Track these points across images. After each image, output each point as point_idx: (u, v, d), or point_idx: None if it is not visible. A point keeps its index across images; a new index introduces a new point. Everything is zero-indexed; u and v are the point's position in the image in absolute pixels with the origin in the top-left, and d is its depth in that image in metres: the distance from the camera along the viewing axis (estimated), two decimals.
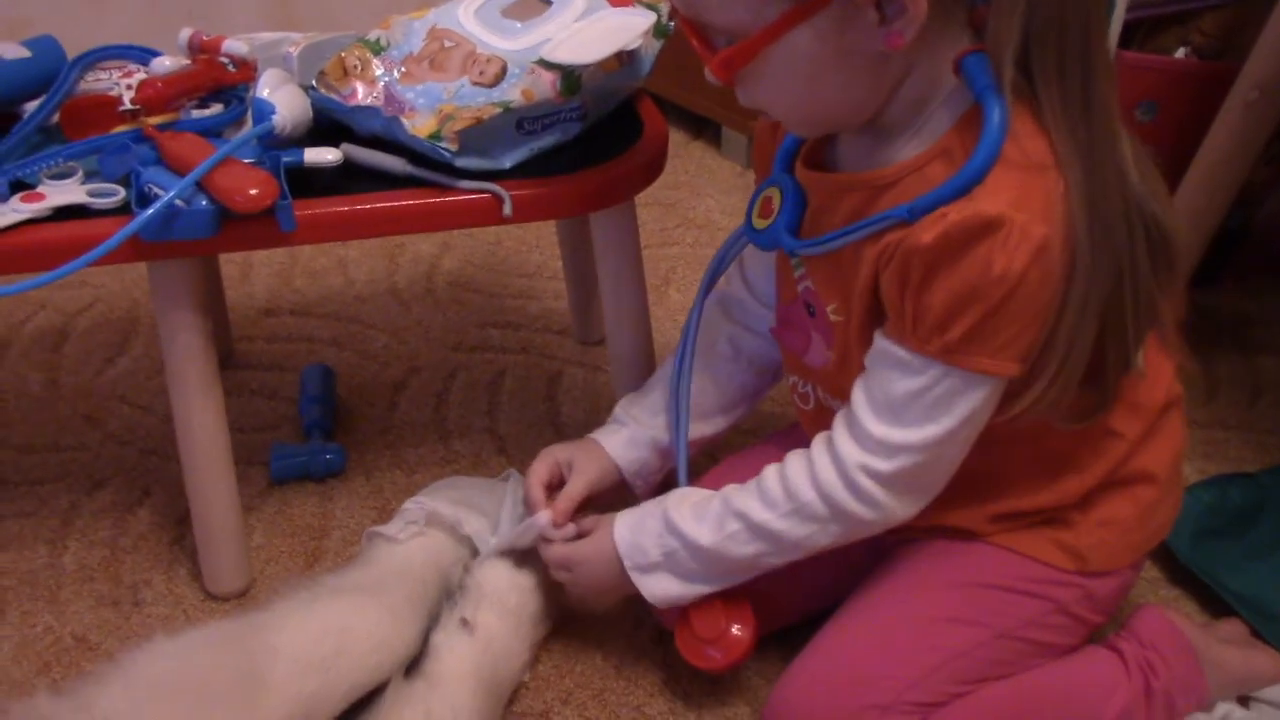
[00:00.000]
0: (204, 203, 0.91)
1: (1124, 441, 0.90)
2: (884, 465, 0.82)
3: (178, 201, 0.90)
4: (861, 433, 0.82)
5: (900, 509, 0.85)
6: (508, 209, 0.97)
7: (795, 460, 0.87)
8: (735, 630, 0.94)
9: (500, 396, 1.33)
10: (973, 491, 0.88)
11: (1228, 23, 1.37)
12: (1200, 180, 1.32)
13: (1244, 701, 0.98)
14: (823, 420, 0.89)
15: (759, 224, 0.88)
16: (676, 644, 0.96)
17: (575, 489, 0.99)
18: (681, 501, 0.92)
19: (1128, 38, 1.36)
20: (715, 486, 0.92)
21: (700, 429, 1.02)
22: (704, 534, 0.89)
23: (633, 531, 0.92)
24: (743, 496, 0.88)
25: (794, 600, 0.99)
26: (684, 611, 0.95)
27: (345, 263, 1.57)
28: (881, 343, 0.81)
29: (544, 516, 0.97)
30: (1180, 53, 1.37)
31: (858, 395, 0.83)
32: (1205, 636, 0.98)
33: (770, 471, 0.88)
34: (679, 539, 0.90)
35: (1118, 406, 0.85)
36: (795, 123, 0.85)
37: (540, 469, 1.01)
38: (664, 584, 0.91)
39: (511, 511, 1.04)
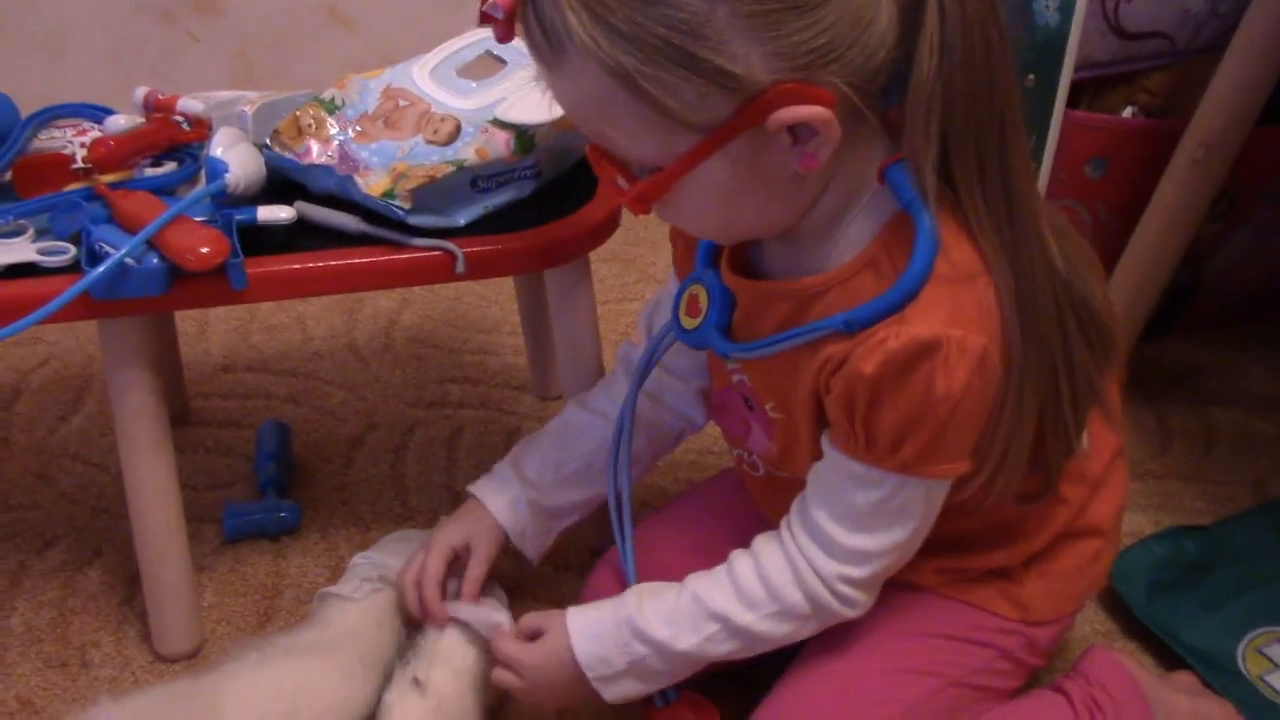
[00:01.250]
0: (155, 261, 0.91)
1: (1071, 505, 0.91)
2: (861, 572, 0.83)
3: (128, 260, 0.90)
4: (832, 545, 0.82)
5: (874, 598, 0.86)
6: (461, 266, 0.98)
7: (773, 557, 0.85)
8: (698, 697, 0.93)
9: (458, 452, 1.33)
10: (925, 551, 0.88)
11: (1173, 82, 1.40)
12: (1150, 235, 1.35)
13: None
14: (775, 487, 0.90)
15: (688, 323, 0.86)
16: None
17: (478, 573, 0.98)
18: (642, 602, 0.88)
19: (1076, 97, 1.38)
20: (655, 544, 0.91)
21: (576, 495, 1.02)
22: (680, 639, 0.86)
23: (593, 642, 0.88)
24: (719, 596, 0.86)
25: None
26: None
27: (303, 319, 1.57)
28: (836, 457, 0.81)
29: (505, 621, 0.95)
30: (1128, 111, 1.39)
31: (819, 508, 0.83)
32: (1155, 680, 0.99)
33: (745, 568, 0.86)
34: (649, 646, 0.87)
35: (1065, 476, 0.86)
36: (713, 237, 0.85)
37: (438, 565, 0.98)
38: (625, 688, 0.89)
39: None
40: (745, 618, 0.85)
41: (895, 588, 0.91)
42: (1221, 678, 1.03)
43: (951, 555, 0.91)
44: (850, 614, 0.85)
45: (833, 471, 0.81)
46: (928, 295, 0.73)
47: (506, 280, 1.51)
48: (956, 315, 0.73)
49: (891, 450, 0.77)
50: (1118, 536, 0.98)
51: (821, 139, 0.71)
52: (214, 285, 0.93)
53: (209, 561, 1.17)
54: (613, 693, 0.89)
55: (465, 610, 0.98)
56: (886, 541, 0.81)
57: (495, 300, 1.61)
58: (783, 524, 0.86)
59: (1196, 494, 1.29)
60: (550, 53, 0.71)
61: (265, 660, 0.94)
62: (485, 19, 0.75)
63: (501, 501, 1.00)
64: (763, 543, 0.86)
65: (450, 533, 1.00)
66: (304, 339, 1.53)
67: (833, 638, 0.91)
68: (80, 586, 1.14)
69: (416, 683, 0.94)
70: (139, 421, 0.99)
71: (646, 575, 0.93)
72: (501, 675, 0.92)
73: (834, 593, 0.83)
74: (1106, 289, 0.80)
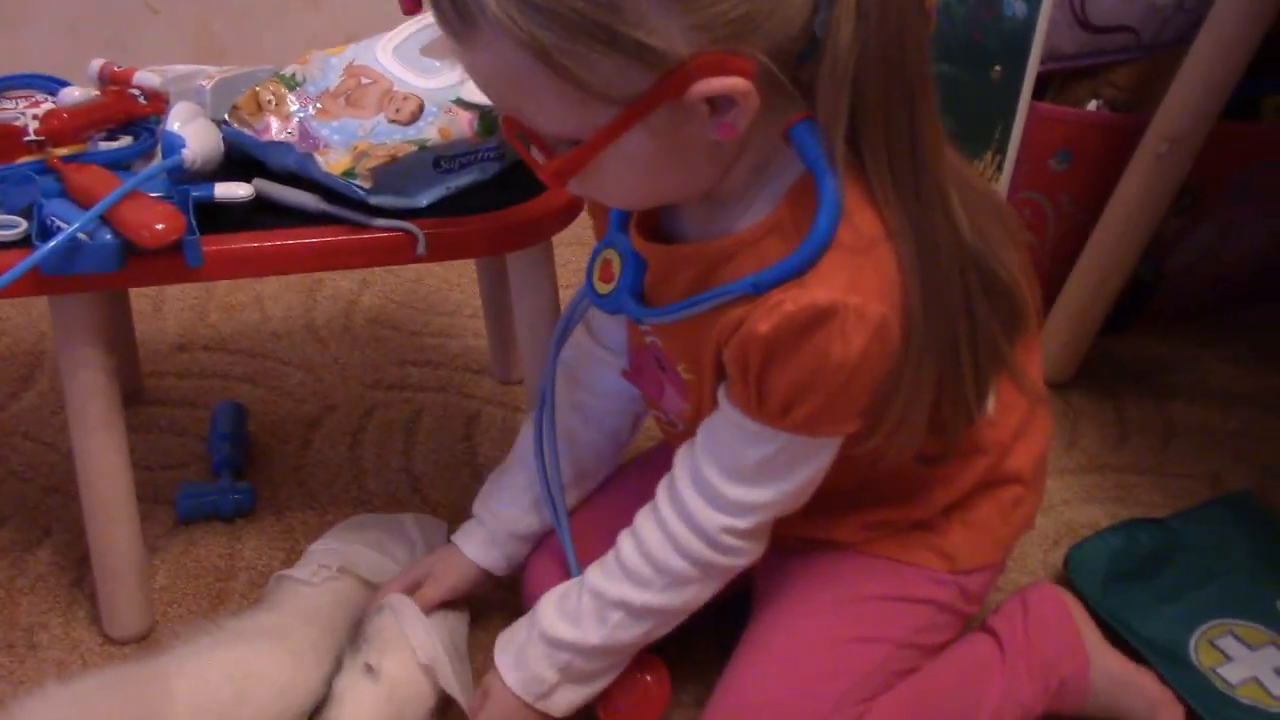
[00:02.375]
0: (108, 237, 0.89)
1: (990, 454, 0.92)
2: (744, 523, 0.84)
3: (80, 235, 0.88)
4: (716, 496, 0.83)
5: (761, 547, 0.87)
6: (421, 248, 0.96)
7: (650, 532, 0.87)
8: (648, 679, 0.94)
9: (417, 435, 1.32)
10: (845, 506, 0.91)
11: (1139, 76, 1.40)
12: (1112, 229, 1.35)
13: None
14: None
15: (601, 288, 0.86)
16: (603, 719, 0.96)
17: (429, 595, 1.00)
18: (549, 609, 0.90)
19: (1042, 89, 1.38)
20: (593, 528, 0.92)
21: (579, 494, 1.03)
22: (589, 635, 0.88)
23: (519, 667, 0.91)
24: (613, 584, 0.88)
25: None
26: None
27: (261, 298, 1.55)
28: (729, 410, 0.81)
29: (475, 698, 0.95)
30: (1093, 105, 1.40)
31: (708, 461, 0.83)
32: (1098, 638, 1.01)
33: (628, 548, 0.87)
34: (567, 650, 0.89)
35: (980, 424, 0.87)
36: (630, 206, 0.85)
37: (403, 584, 1.01)
38: (569, 697, 0.91)
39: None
40: (641, 598, 0.87)
41: (824, 548, 0.93)
42: (1174, 669, 1.04)
43: (872, 509, 0.92)
44: (739, 563, 0.86)
45: (725, 424, 0.82)
46: (829, 262, 0.73)
47: (468, 263, 1.50)
48: (857, 283, 0.73)
49: (782, 412, 0.77)
50: (1041, 483, 0.99)
51: (740, 109, 0.71)
52: (169, 263, 0.91)
53: (162, 543, 1.15)
54: (557, 704, 0.91)
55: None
56: (773, 494, 0.82)
57: (457, 283, 1.60)
58: (658, 489, 0.87)
59: (1154, 487, 1.30)
60: (461, 26, 0.70)
61: (216, 644, 0.93)
62: None
63: (475, 544, 1.01)
64: (641, 518, 0.88)
65: (419, 568, 1.02)
66: (262, 319, 1.51)
67: (771, 611, 0.92)
68: (28, 567, 1.13)
69: (369, 669, 0.93)
70: (90, 400, 0.97)
71: (594, 557, 0.92)
72: None
73: (717, 546, 0.84)
74: (1021, 260, 0.81)
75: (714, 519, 0.84)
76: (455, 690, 0.94)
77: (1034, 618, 0.99)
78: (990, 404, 0.85)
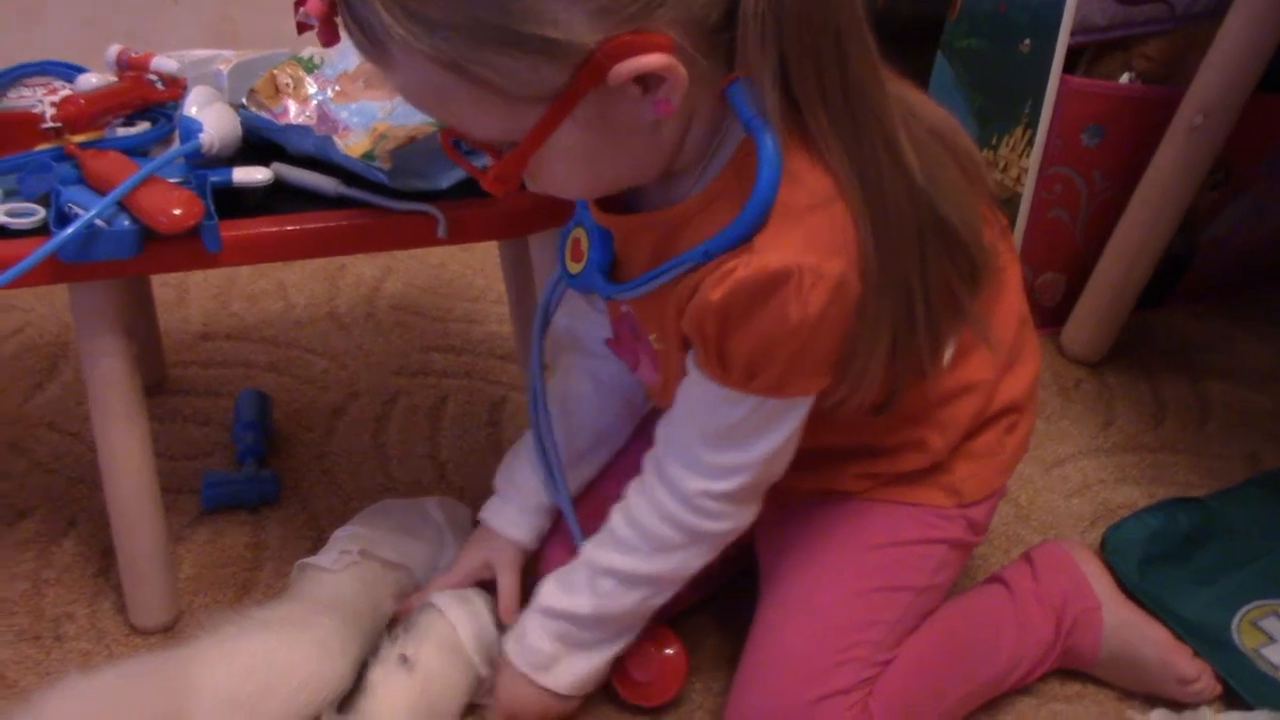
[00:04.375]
0: (126, 223, 0.88)
1: (982, 390, 0.91)
2: (724, 486, 0.83)
3: (98, 221, 0.87)
4: (694, 460, 0.83)
5: (750, 512, 0.87)
6: (442, 230, 0.95)
7: (637, 499, 0.87)
8: (668, 652, 0.95)
9: (442, 422, 1.31)
10: (842, 460, 0.92)
11: (1171, 48, 1.38)
12: (1146, 204, 1.33)
13: None
14: None
15: (573, 268, 0.87)
16: (622, 696, 0.96)
17: (510, 587, 0.99)
18: (548, 583, 0.92)
19: (1072, 63, 1.36)
20: (610, 501, 0.91)
21: (582, 472, 1.01)
22: (581, 603, 0.89)
23: (518, 640, 0.92)
24: (603, 552, 0.89)
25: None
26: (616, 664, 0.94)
27: (284, 286, 1.54)
28: (697, 376, 0.81)
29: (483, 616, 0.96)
30: (1125, 78, 1.37)
31: (682, 424, 0.84)
32: (1101, 577, 1.03)
33: (617, 517, 0.88)
34: (562, 620, 0.90)
35: (972, 357, 0.88)
36: (590, 196, 0.84)
37: (449, 585, 1.00)
38: (572, 669, 0.91)
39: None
40: (629, 564, 0.87)
41: (831, 499, 0.93)
42: (1216, 651, 1.02)
43: (872, 461, 0.92)
44: (721, 527, 0.85)
45: (695, 389, 0.82)
46: (781, 225, 0.72)
47: (491, 247, 1.45)
48: (811, 243, 0.72)
49: (747, 377, 0.77)
50: (1034, 404, 0.98)
51: (670, 84, 0.70)
52: (187, 248, 0.90)
53: (186, 532, 1.15)
54: (561, 679, 0.90)
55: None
56: (750, 455, 0.82)
57: (480, 268, 1.58)
58: (644, 459, 0.87)
59: (1191, 467, 1.28)
60: (374, 51, 0.71)
61: (241, 633, 0.92)
62: (303, 28, 0.76)
63: (506, 519, 1.01)
64: (630, 488, 0.88)
65: (468, 560, 1.01)
66: (285, 307, 1.51)
67: (791, 566, 0.93)
68: (54, 558, 1.12)
69: (404, 660, 0.92)
70: (112, 389, 0.97)
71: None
72: None
73: (697, 510, 0.84)
74: (983, 209, 0.80)
75: (692, 483, 0.83)
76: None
77: (1039, 566, 1.02)
78: (948, 355, 0.85)
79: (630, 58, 0.68)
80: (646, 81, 0.70)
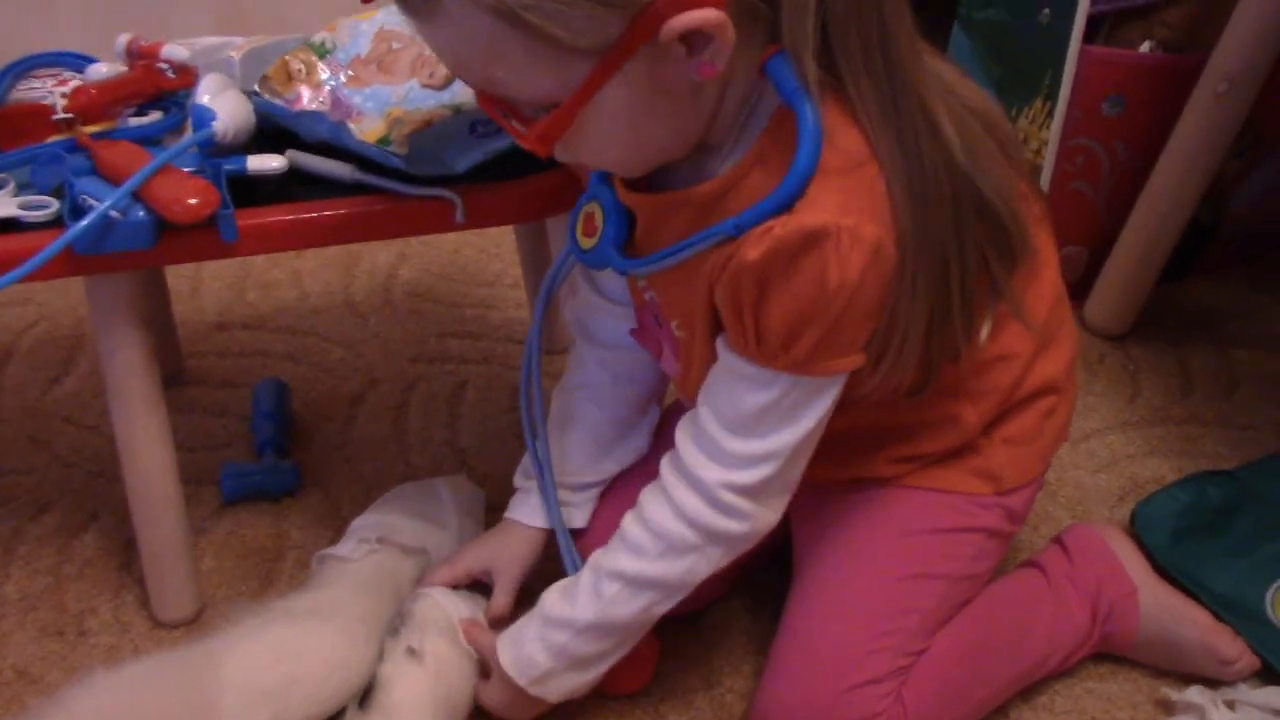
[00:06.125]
0: (141, 214, 0.88)
1: (1017, 362, 0.90)
2: (746, 478, 0.81)
3: (113, 213, 0.86)
4: (717, 450, 0.81)
5: (770, 513, 0.83)
6: (460, 215, 0.94)
7: (651, 499, 0.84)
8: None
9: (461, 408, 1.30)
10: (873, 445, 0.89)
11: (1192, 15, 1.36)
12: (1170, 174, 1.31)
13: (1230, 705, 0.96)
14: None
15: (585, 243, 0.85)
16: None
17: (501, 604, 0.96)
18: (550, 593, 0.88)
19: (1092, 32, 1.34)
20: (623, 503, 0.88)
21: (606, 467, 0.99)
22: (583, 610, 0.85)
23: (514, 647, 0.88)
24: (611, 556, 0.85)
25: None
26: None
27: (300, 275, 1.53)
28: (727, 357, 0.79)
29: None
30: (1145, 46, 1.35)
31: (706, 412, 0.81)
32: (1137, 560, 1.02)
33: (629, 520, 0.85)
34: (562, 629, 0.86)
35: (1008, 329, 0.86)
36: (626, 169, 0.82)
37: (446, 578, 0.97)
38: (565, 684, 0.88)
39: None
40: (637, 566, 0.83)
41: (863, 487, 0.91)
42: (1249, 625, 1.01)
43: (902, 444, 0.90)
44: (739, 528, 0.82)
45: (724, 374, 0.80)
46: (817, 188, 0.71)
47: (507, 231, 1.48)
48: (847, 205, 0.71)
49: (783, 347, 0.75)
50: (1073, 389, 0.97)
51: (716, 45, 0.69)
52: (203, 238, 0.90)
53: (208, 525, 1.14)
54: (551, 691, 0.88)
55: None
56: (776, 444, 0.79)
57: (496, 252, 1.57)
58: (661, 464, 0.84)
59: (1219, 439, 1.26)
60: (423, 4, 0.69)
61: (264, 625, 0.91)
62: None
63: (529, 508, 0.98)
64: (645, 493, 0.85)
65: (471, 557, 0.98)
66: (300, 295, 1.50)
67: (824, 554, 0.91)
68: (76, 552, 1.12)
69: (411, 652, 0.92)
70: (130, 380, 0.96)
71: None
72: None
73: (716, 504, 0.81)
74: (1020, 188, 0.79)
75: (713, 474, 0.81)
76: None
77: (1073, 550, 1.00)
78: (983, 334, 0.84)
79: (685, 11, 0.67)
80: (692, 42, 0.69)
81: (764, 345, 0.76)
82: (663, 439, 0.97)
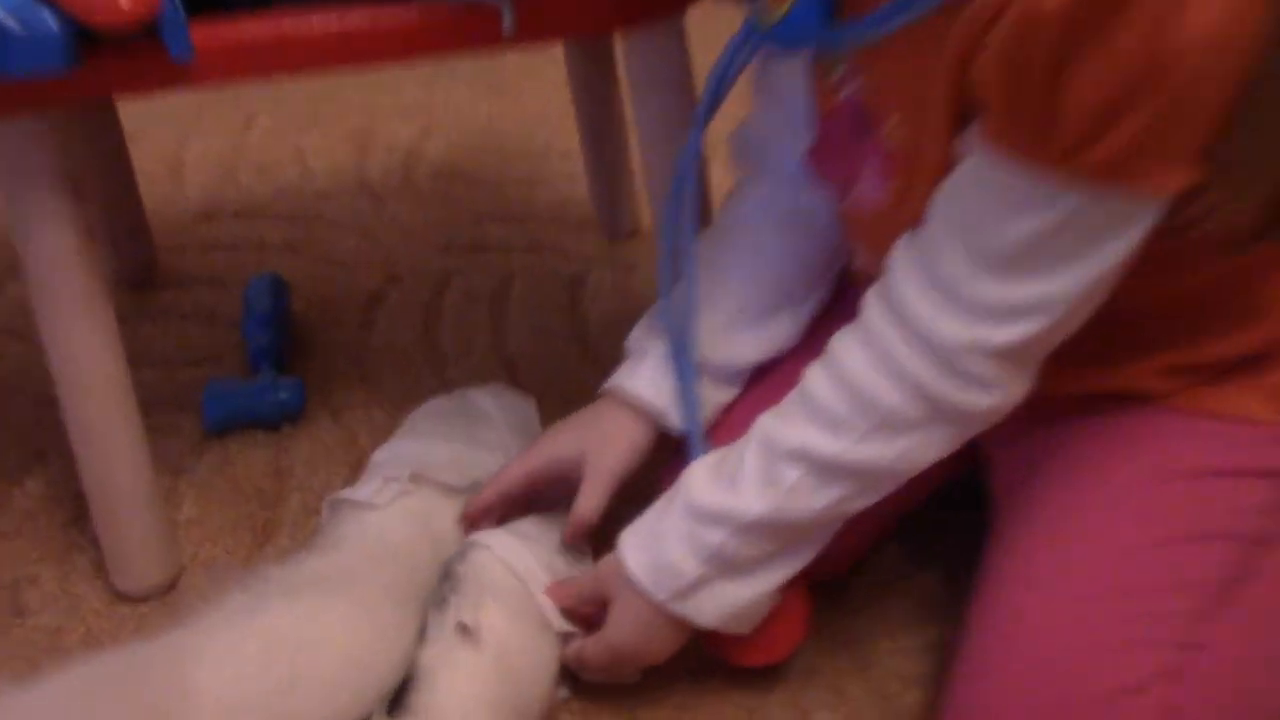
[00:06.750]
0: (48, 20, 0.69)
1: None
2: (1006, 335, 0.65)
3: (7, 20, 0.67)
4: (961, 295, 0.65)
5: (1025, 383, 0.68)
6: (508, 23, 0.76)
7: (852, 350, 0.69)
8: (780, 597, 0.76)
9: (507, 308, 1.17)
10: (1138, 339, 0.72)
11: None
12: None
13: None
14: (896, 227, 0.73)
15: (773, 13, 0.69)
16: (716, 654, 0.78)
17: (589, 508, 0.79)
18: (698, 474, 0.74)
19: None
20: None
21: (749, 344, 0.83)
22: (750, 500, 0.71)
23: (650, 551, 0.73)
24: (790, 426, 0.70)
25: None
26: None
27: (302, 152, 1.42)
28: (986, 163, 0.62)
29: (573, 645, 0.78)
30: None
31: (947, 243, 0.65)
32: None
33: (819, 380, 0.70)
34: (717, 525, 0.71)
35: None
36: None
37: (518, 477, 0.82)
38: (719, 601, 0.73)
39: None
40: (833, 446, 0.69)
41: (1109, 406, 0.74)
42: None
43: (1179, 342, 0.73)
44: (983, 403, 0.67)
45: (976, 187, 0.64)
46: None
47: (553, 92, 1.34)
48: None
49: (1089, 139, 0.58)
50: None
51: None
52: (144, 58, 0.71)
53: (187, 462, 1.00)
54: (705, 613, 0.73)
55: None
56: (1049, 288, 0.64)
57: (541, 118, 1.44)
58: (865, 303, 0.70)
59: None
60: None
61: (254, 607, 0.75)
62: None
63: (642, 378, 0.81)
64: (839, 339, 0.71)
65: (548, 449, 0.82)
66: (304, 176, 1.38)
67: (1047, 502, 0.73)
68: (14, 502, 0.98)
69: (463, 629, 0.75)
70: (57, 272, 0.80)
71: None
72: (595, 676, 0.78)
73: (955, 370, 0.66)
74: None
75: (955, 329, 0.65)
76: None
77: None
78: None
79: None
80: None
81: (1059, 132, 0.58)
82: (810, 348, 0.78)
